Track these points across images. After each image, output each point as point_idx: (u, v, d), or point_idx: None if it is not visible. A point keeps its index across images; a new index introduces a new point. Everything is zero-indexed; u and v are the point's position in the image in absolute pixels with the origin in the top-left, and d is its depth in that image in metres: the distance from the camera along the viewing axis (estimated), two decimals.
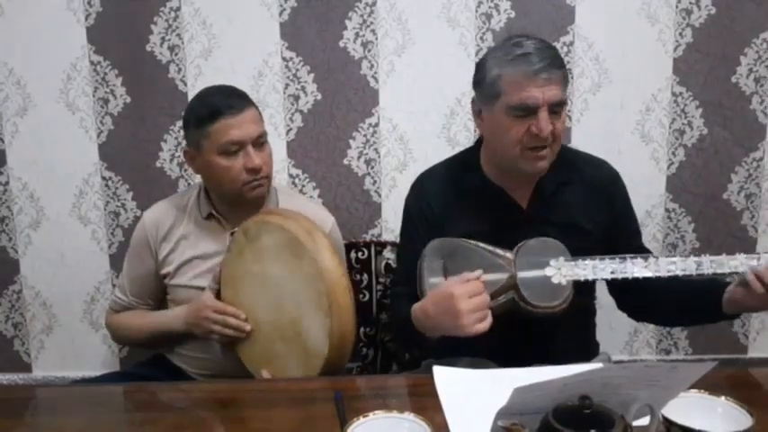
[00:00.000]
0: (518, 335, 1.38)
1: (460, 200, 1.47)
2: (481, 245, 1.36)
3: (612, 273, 1.29)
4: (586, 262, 1.30)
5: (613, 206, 1.49)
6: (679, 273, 1.26)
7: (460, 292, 1.21)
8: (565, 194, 1.45)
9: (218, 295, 1.50)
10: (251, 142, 1.48)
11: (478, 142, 1.52)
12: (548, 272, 1.30)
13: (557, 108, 1.34)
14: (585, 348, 1.52)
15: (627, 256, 1.30)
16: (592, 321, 1.56)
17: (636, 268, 1.28)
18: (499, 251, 1.35)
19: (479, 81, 1.40)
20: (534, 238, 1.34)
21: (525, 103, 1.32)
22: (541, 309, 1.30)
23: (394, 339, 1.82)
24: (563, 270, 1.30)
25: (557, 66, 1.34)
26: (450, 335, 1.25)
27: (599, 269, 1.29)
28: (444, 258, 1.35)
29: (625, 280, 1.31)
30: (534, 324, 1.37)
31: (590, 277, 1.29)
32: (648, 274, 1.28)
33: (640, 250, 1.48)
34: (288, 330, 1.39)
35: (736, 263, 1.25)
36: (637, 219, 1.56)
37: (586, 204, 1.45)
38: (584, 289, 1.37)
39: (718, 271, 1.26)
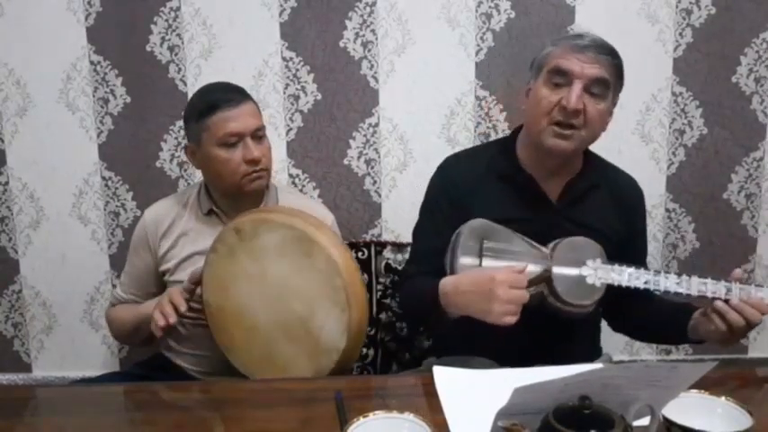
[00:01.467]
0: (523, 339, 1.38)
1: (490, 183, 1.45)
2: (518, 234, 1.35)
3: (646, 283, 1.29)
4: (623, 268, 1.30)
5: (633, 221, 1.51)
6: (708, 294, 1.26)
7: (503, 279, 1.20)
8: (592, 197, 1.45)
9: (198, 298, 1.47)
10: (250, 135, 1.50)
11: (516, 130, 1.52)
12: (584, 271, 1.30)
13: (596, 90, 1.34)
14: (589, 353, 1.52)
15: (661, 270, 1.31)
16: (597, 327, 1.56)
17: (669, 283, 1.28)
18: (535, 243, 1.34)
19: (534, 59, 1.43)
20: (574, 236, 1.34)
21: (561, 68, 1.34)
22: (570, 307, 1.30)
23: (405, 316, 1.79)
24: (599, 272, 1.30)
25: (608, 53, 1.35)
26: (475, 317, 1.25)
27: (634, 277, 1.30)
28: (481, 240, 1.33)
29: (622, 293, 1.33)
30: (544, 328, 1.37)
31: (624, 283, 1.29)
32: (680, 290, 1.28)
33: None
34: (295, 329, 1.38)
35: (762, 294, 1.25)
36: (647, 242, 1.58)
37: (610, 212, 1.46)
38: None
39: (744, 298, 1.25)
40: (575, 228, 1.39)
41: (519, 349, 1.37)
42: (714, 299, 1.26)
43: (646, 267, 1.47)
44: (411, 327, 1.82)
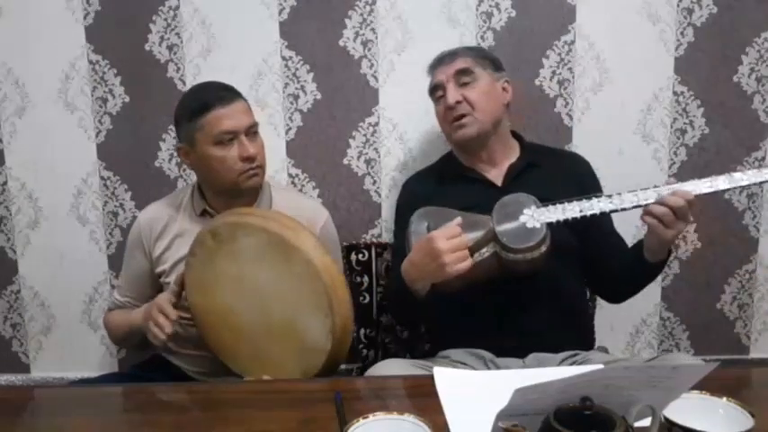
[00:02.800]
0: (517, 327, 1.41)
1: (444, 187, 1.63)
2: (460, 210, 1.46)
3: (581, 211, 1.38)
4: (556, 206, 1.40)
5: (583, 187, 1.56)
6: (641, 203, 1.34)
7: (438, 234, 1.32)
8: (533, 174, 1.59)
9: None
10: (244, 132, 1.51)
11: None
12: (522, 219, 1.39)
13: (464, 79, 1.57)
14: (582, 341, 1.54)
15: (592, 195, 1.40)
16: (588, 314, 1.59)
17: (602, 204, 1.37)
18: (479, 214, 1.44)
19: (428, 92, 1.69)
20: (507, 195, 1.44)
21: (434, 84, 1.62)
22: (521, 252, 1.37)
23: (394, 316, 1.83)
24: (536, 215, 1.39)
25: (460, 50, 1.62)
26: (435, 279, 1.34)
27: (568, 210, 1.39)
28: (428, 223, 1.46)
29: (598, 255, 1.46)
30: (537, 317, 1.42)
31: (560, 218, 1.38)
32: (612, 207, 1.37)
33: (613, 236, 1.59)
34: (280, 332, 1.38)
35: (690, 187, 1.33)
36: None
37: (555, 182, 1.56)
38: (565, 251, 1.47)
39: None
40: None
41: (515, 340, 1.41)
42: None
43: (616, 235, 1.59)
44: (406, 326, 1.85)
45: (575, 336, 1.52)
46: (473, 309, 1.47)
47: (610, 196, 1.37)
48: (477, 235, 1.39)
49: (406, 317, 1.67)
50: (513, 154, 1.64)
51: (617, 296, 1.65)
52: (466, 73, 1.57)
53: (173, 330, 1.42)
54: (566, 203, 1.39)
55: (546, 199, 1.42)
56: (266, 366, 1.40)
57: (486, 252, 1.40)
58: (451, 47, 1.69)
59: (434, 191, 1.62)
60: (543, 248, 1.37)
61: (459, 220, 1.36)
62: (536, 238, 1.37)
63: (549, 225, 1.38)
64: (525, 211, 1.40)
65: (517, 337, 1.44)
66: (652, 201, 1.33)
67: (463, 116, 1.56)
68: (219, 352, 1.47)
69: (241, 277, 1.39)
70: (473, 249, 1.36)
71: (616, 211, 1.37)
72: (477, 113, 1.56)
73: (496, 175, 1.60)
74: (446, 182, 1.64)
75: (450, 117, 1.58)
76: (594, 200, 1.38)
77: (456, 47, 1.67)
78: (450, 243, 1.30)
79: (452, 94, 1.56)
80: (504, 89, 1.63)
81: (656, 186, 1.34)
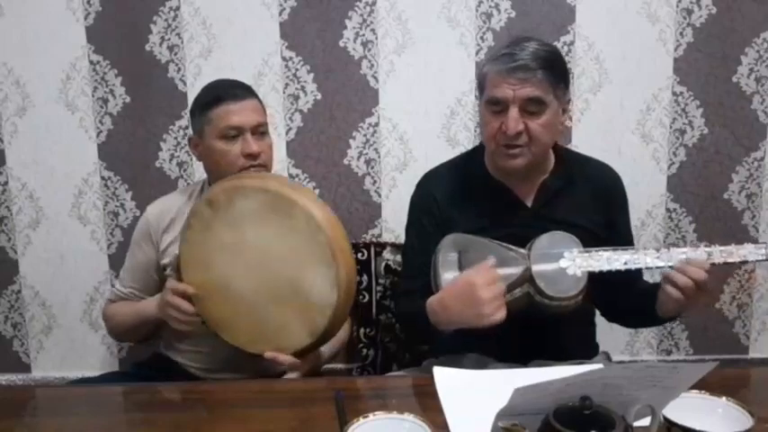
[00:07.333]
0: (520, 334, 1.39)
1: (466, 196, 1.48)
2: (495, 241, 1.36)
3: (626, 263, 1.29)
4: (600, 253, 1.30)
5: (611, 208, 1.51)
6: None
7: (481, 282, 1.22)
8: (567, 194, 1.46)
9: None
10: (250, 129, 1.51)
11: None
12: (562, 264, 1.30)
13: (532, 108, 1.35)
14: (586, 349, 1.52)
15: (639, 247, 1.31)
16: (592, 321, 1.57)
17: (649, 258, 1.28)
18: (513, 247, 1.35)
19: (478, 75, 1.46)
20: (547, 233, 1.34)
21: (495, 97, 1.36)
22: (557, 300, 1.30)
23: (403, 331, 1.81)
24: (578, 261, 1.29)
25: (540, 66, 1.34)
26: (468, 326, 1.26)
27: (613, 260, 1.29)
28: (459, 253, 1.35)
29: (609, 281, 1.33)
30: (539, 322, 1.37)
31: (604, 268, 1.29)
32: (661, 263, 1.28)
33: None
34: (283, 292, 1.36)
35: (745, 252, 1.26)
36: (630, 226, 1.57)
37: (588, 204, 1.46)
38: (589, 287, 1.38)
39: (729, 260, 1.26)
40: (553, 227, 1.39)
41: (517, 347, 1.38)
42: None
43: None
44: (414, 341, 1.82)
45: (580, 346, 1.49)
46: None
47: (657, 250, 1.28)
48: (509, 273, 1.29)
49: (420, 340, 1.65)
50: (547, 167, 1.47)
51: (621, 322, 1.61)
52: (536, 102, 1.34)
53: (194, 309, 1.41)
54: (611, 252, 1.29)
55: (576, 225, 1.37)
56: (268, 336, 1.38)
57: (517, 293, 1.30)
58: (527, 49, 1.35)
59: (455, 201, 1.48)
60: (580, 298, 1.30)
61: (493, 260, 1.26)
62: (576, 289, 1.28)
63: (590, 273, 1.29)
64: (566, 254, 1.30)
65: (523, 346, 1.40)
66: (703, 261, 1.24)
67: (517, 146, 1.37)
68: (219, 328, 1.45)
69: (240, 243, 1.38)
70: (505, 290, 1.26)
71: (662, 267, 1.28)
72: (533, 146, 1.37)
73: (527, 193, 1.45)
74: (468, 188, 1.48)
75: (501, 141, 1.38)
76: (641, 253, 1.28)
77: (532, 52, 1.34)
78: (491, 291, 1.21)
79: (514, 124, 1.34)
80: (564, 110, 1.43)
81: (706, 245, 1.26)
